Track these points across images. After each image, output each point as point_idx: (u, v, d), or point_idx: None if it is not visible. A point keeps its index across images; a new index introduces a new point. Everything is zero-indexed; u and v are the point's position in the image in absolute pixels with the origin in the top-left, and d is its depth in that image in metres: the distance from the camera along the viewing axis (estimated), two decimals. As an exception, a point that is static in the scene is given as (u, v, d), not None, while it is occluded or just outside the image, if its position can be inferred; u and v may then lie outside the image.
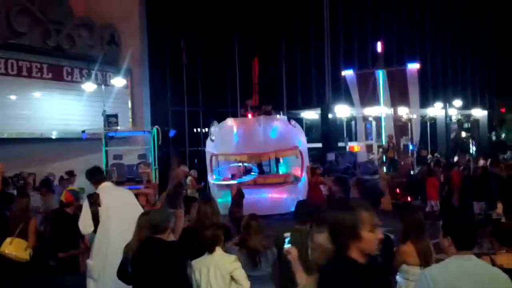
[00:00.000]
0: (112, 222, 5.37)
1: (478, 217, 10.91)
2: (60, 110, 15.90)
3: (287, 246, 3.62)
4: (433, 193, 13.79)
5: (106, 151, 12.54)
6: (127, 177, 12.52)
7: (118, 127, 15.00)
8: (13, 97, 14.95)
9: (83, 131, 13.67)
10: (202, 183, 15.31)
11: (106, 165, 12.32)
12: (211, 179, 15.97)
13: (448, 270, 2.87)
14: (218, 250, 4.39)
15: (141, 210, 5.62)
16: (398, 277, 4.68)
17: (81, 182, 7.09)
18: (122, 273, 4.52)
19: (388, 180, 15.33)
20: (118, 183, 11.47)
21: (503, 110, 36.28)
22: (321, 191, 13.01)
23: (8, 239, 5.34)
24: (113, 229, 5.36)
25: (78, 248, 5.74)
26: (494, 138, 36.80)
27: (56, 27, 16.16)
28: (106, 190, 5.61)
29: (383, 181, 15.22)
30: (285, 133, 16.09)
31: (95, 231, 5.45)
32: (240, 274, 4.33)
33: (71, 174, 11.72)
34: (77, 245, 5.72)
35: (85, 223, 5.44)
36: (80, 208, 5.71)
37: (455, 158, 21.23)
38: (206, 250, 4.41)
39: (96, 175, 5.79)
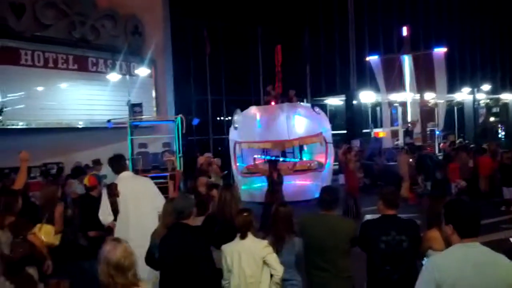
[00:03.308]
0: (131, 212, 5.45)
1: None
2: (85, 100, 16.14)
3: None
4: (455, 176, 13.57)
5: (132, 140, 12.73)
6: (152, 165, 12.71)
7: (143, 116, 15.18)
8: (40, 88, 15.23)
9: (109, 121, 13.87)
10: (225, 171, 15.36)
11: (132, 154, 12.50)
12: (235, 166, 16.03)
13: (452, 258, 2.83)
14: (250, 235, 4.43)
15: (162, 198, 5.69)
16: (424, 262, 4.63)
17: (107, 170, 7.20)
18: (150, 259, 4.60)
19: (409, 166, 14.99)
20: (144, 171, 11.68)
21: (533, 93, 35.25)
22: (356, 177, 12.79)
23: (38, 226, 5.47)
24: (132, 218, 5.44)
25: (108, 231, 5.83)
26: (524, 122, 35.87)
27: (80, 18, 16.35)
28: (125, 179, 5.67)
29: (403, 167, 14.94)
30: (309, 120, 15.99)
31: (115, 220, 5.53)
32: (273, 259, 4.37)
33: (97, 162, 11.90)
34: (104, 228, 5.81)
35: (104, 213, 5.53)
36: None
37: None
38: (239, 236, 4.44)
39: (117, 163, 5.85)
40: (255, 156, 16.08)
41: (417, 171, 14.56)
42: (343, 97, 27.25)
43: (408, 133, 20.05)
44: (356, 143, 21.54)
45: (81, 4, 16.43)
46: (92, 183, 6.24)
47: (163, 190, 8.76)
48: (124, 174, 5.79)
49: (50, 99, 15.30)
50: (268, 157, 16.48)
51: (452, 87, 27.23)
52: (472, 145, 20.02)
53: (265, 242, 4.46)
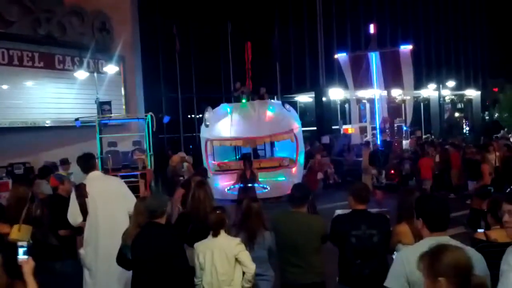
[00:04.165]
0: (100, 212, 5.38)
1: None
2: (52, 98, 15.80)
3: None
4: (427, 173, 13.96)
5: (101, 139, 12.55)
6: (122, 164, 12.56)
7: (112, 114, 14.98)
8: (4, 86, 14.83)
9: (77, 119, 13.63)
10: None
11: (101, 153, 12.32)
12: (207, 164, 16.00)
13: (421, 252, 2.90)
14: (222, 233, 4.45)
15: (132, 197, 5.63)
16: (394, 256, 4.74)
17: (77, 169, 7.08)
18: (122, 259, 4.57)
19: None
20: (114, 170, 11.54)
21: (495, 89, 36.37)
22: (316, 176, 13.03)
23: (16, 226, 5.35)
24: (102, 219, 5.38)
25: (78, 230, 5.74)
26: (487, 118, 36.97)
27: (46, 15, 15.98)
28: (94, 179, 5.58)
29: (364, 162, 15.48)
30: (280, 117, 16.09)
31: (84, 220, 5.46)
32: (245, 256, 4.40)
33: (65, 162, 11.69)
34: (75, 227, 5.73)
35: (73, 214, 5.45)
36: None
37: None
38: (211, 234, 4.46)
39: (86, 163, 5.74)
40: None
41: (370, 164, 15.26)
42: (312, 94, 27.53)
43: (383, 130, 20.44)
44: (326, 139, 21.82)
45: (47, 0, 16.06)
46: (53, 184, 6.16)
47: (134, 189, 8.71)
48: (93, 174, 5.70)
49: (15, 97, 14.92)
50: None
51: (418, 84, 27.84)
52: (440, 140, 20.52)
53: (237, 240, 4.49)
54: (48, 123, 15.63)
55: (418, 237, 4.51)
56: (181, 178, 11.47)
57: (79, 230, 5.65)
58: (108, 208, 5.43)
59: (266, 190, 12.32)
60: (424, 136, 23.84)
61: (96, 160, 6.12)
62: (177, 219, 5.37)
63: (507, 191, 6.91)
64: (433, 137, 24.69)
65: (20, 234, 5.15)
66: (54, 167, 11.56)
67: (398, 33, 30.28)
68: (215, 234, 4.45)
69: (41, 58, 15.77)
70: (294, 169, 15.63)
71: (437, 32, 34.31)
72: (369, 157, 15.59)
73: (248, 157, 13.37)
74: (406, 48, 21.57)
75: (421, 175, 14.09)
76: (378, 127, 20.67)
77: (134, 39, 19.46)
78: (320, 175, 13.22)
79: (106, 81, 17.17)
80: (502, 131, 26.45)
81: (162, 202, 4.46)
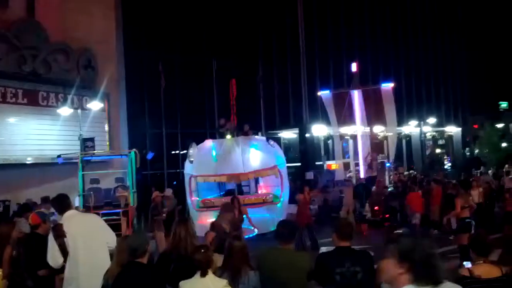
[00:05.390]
0: (80, 251, 5.29)
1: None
2: (35, 135, 15.70)
3: None
4: (417, 206, 14.05)
5: (83, 176, 12.42)
6: (104, 202, 12.40)
7: (95, 151, 14.89)
8: (-13, 122, 14.73)
9: (59, 156, 13.52)
10: (180, 206, 15.10)
11: (83, 190, 12.18)
12: (191, 200, 15.88)
13: None
14: (210, 273, 4.36)
15: (111, 233, 5.56)
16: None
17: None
18: (103, 299, 4.46)
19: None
20: (95, 207, 11.39)
21: (476, 126, 37.14)
22: (309, 210, 13.03)
23: None
24: (82, 258, 5.28)
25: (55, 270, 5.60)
26: (468, 154, 37.54)
27: (31, 52, 16.06)
28: (70, 218, 5.51)
29: (348, 199, 15.63)
30: (264, 153, 16.14)
31: (65, 261, 5.36)
32: None
33: (46, 200, 11.50)
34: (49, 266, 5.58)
35: (54, 256, 5.34)
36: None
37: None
38: (199, 273, 4.35)
39: (60, 204, 5.69)
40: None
41: (354, 198, 15.63)
42: (296, 130, 27.76)
43: (369, 166, 20.65)
44: (310, 175, 21.88)
45: (33, 37, 16.15)
46: (34, 221, 5.99)
47: (116, 227, 8.59)
48: (69, 213, 5.62)
49: (-3, 134, 14.81)
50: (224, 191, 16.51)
51: (400, 120, 28.30)
52: (422, 176, 20.70)
53: (224, 281, 4.39)
54: (29, 160, 15.46)
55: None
56: (164, 215, 11.32)
57: (59, 269, 5.53)
58: (87, 244, 5.34)
59: (256, 232, 12.16)
60: (406, 172, 24.05)
61: (71, 200, 6.03)
62: (158, 259, 5.28)
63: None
64: (415, 173, 24.93)
65: None
66: (34, 205, 11.39)
67: (380, 71, 30.97)
68: (203, 274, 4.36)
69: (25, 94, 15.75)
70: (279, 205, 15.58)
71: (417, 70, 35.19)
72: (353, 191, 15.75)
73: (236, 196, 13.20)
74: (387, 86, 22.03)
75: (410, 208, 14.15)
76: (362, 162, 20.85)
77: (119, 75, 19.60)
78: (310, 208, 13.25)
79: (90, 117, 17.16)
80: (482, 167, 26.85)
81: (144, 240, 4.40)
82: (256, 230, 12.06)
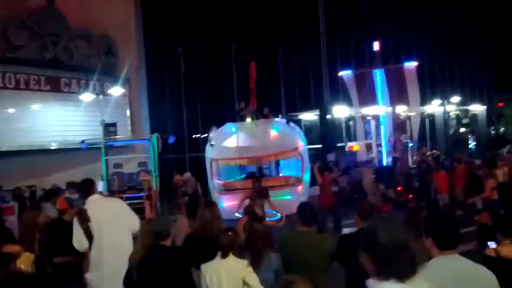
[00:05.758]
0: (104, 236, 5.37)
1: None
2: (59, 121, 15.95)
3: None
4: (443, 187, 13.85)
5: (106, 160, 12.60)
6: (128, 186, 12.57)
7: (117, 136, 15.05)
8: (11, 110, 14.99)
9: (83, 141, 13.71)
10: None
11: (107, 174, 12.36)
12: (212, 184, 15.98)
13: (431, 271, 2.82)
14: (231, 255, 4.40)
15: (134, 216, 5.63)
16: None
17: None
18: (128, 282, 4.53)
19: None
20: (119, 191, 11.55)
21: (501, 104, 36.31)
22: (331, 191, 12.79)
23: (24, 254, 5.32)
24: (106, 243, 5.36)
25: (79, 256, 5.68)
26: (493, 132, 36.82)
27: (53, 39, 16.23)
28: (94, 203, 5.59)
29: (367, 182, 15.33)
30: (284, 135, 16.08)
31: (90, 245, 5.44)
32: (254, 278, 4.32)
33: (71, 185, 11.71)
34: (77, 253, 5.67)
35: (78, 240, 5.43)
36: None
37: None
38: (220, 255, 4.41)
39: (85, 188, 5.78)
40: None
41: (376, 180, 15.07)
42: (317, 112, 27.54)
43: (393, 146, 20.40)
44: (331, 157, 21.76)
45: (54, 24, 16.31)
46: (62, 206, 6.08)
47: (140, 210, 8.69)
48: (93, 197, 5.70)
49: (22, 121, 15.07)
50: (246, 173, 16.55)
51: (423, 100, 27.82)
52: (446, 156, 20.41)
53: (245, 262, 4.43)
54: (54, 145, 15.72)
55: (427, 256, 4.48)
56: (186, 198, 11.40)
57: (81, 256, 5.62)
58: (111, 229, 5.42)
59: (279, 216, 12.09)
60: (429, 152, 23.71)
61: (98, 184, 6.12)
62: (184, 240, 5.34)
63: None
64: (438, 153, 24.57)
65: (23, 262, 5.14)
66: (59, 190, 11.59)
67: (402, 49, 30.40)
68: (224, 256, 4.40)
69: (47, 81, 15.97)
70: (300, 188, 15.56)
71: (441, 48, 34.44)
72: (375, 173, 15.51)
73: (257, 176, 13.18)
74: (411, 65, 21.62)
75: (436, 189, 13.97)
76: (385, 143, 20.60)
77: (139, 60, 19.68)
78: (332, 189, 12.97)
79: (111, 103, 17.34)
80: (508, 146, 26.30)
81: (168, 223, 4.44)
82: (279, 214, 12.02)
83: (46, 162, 14.98)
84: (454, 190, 14.17)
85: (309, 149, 18.62)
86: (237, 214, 11.05)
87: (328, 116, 26.21)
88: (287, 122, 17.37)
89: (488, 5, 36.73)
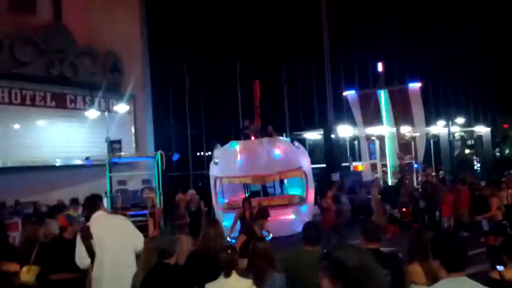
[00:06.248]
0: (106, 253, 5.32)
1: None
2: (63, 137, 16.00)
3: None
4: (449, 210, 13.79)
5: (110, 177, 12.58)
6: (131, 203, 12.53)
7: (122, 153, 15.07)
8: (16, 126, 15.06)
9: (87, 158, 13.73)
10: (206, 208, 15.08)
11: (111, 191, 12.33)
12: (216, 202, 15.92)
13: None
14: (234, 274, 4.35)
15: (138, 234, 5.57)
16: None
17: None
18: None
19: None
20: (123, 208, 11.50)
21: (505, 126, 36.27)
22: (333, 213, 12.56)
23: (25, 268, 5.28)
24: (108, 260, 5.31)
25: (77, 272, 5.60)
26: (498, 154, 36.69)
27: (59, 56, 16.37)
28: (98, 220, 5.54)
29: (374, 200, 15.20)
30: (289, 154, 16.06)
31: (92, 262, 5.39)
32: None
33: (75, 201, 11.68)
34: (76, 270, 5.60)
35: (81, 257, 5.39)
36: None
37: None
38: (223, 274, 4.36)
39: (91, 204, 5.76)
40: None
41: (383, 201, 14.95)
42: (321, 131, 27.57)
43: (401, 168, 20.34)
44: (336, 176, 21.69)
45: (60, 41, 16.47)
46: (61, 223, 6.03)
47: (143, 228, 8.64)
48: (97, 214, 5.65)
49: (27, 136, 15.14)
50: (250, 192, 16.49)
51: (427, 120, 27.84)
52: (452, 177, 20.30)
53: (250, 281, 4.38)
54: (58, 162, 15.74)
55: (431, 277, 4.42)
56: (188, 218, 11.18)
57: (80, 272, 5.56)
58: (113, 247, 5.37)
59: (270, 237, 11.79)
60: (434, 173, 23.63)
61: (102, 201, 6.07)
62: (188, 258, 5.29)
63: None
64: (444, 173, 24.48)
65: (28, 276, 5.10)
66: (63, 206, 11.55)
67: (406, 71, 30.51)
68: (227, 275, 4.35)
69: (53, 97, 16.06)
70: (304, 207, 15.48)
71: (444, 69, 34.57)
72: (381, 193, 15.42)
73: (247, 198, 12.58)
74: (415, 86, 21.68)
75: (442, 212, 13.88)
76: (392, 164, 20.56)
77: (145, 77, 19.81)
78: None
79: (116, 119, 17.39)
80: (513, 168, 26.17)
81: (172, 241, 4.40)
82: (271, 234, 11.73)
83: (50, 178, 14.98)
84: (459, 211, 14.07)
85: (314, 168, 18.57)
86: (228, 239, 10.61)
87: (332, 136, 26.23)
88: (292, 141, 17.37)
89: (491, 26, 36.99)
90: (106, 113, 16.83)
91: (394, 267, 4.46)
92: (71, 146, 16.01)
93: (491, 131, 36.02)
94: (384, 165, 21.56)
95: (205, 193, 16.59)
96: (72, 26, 16.85)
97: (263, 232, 10.82)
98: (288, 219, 14.82)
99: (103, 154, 14.21)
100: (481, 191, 13.19)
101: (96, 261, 5.38)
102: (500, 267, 4.26)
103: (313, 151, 27.11)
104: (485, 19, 37.12)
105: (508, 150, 35.94)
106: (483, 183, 15.45)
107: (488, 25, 37.24)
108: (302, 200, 15.80)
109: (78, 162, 15.36)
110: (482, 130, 35.32)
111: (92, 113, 16.56)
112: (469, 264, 3.05)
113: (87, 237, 5.35)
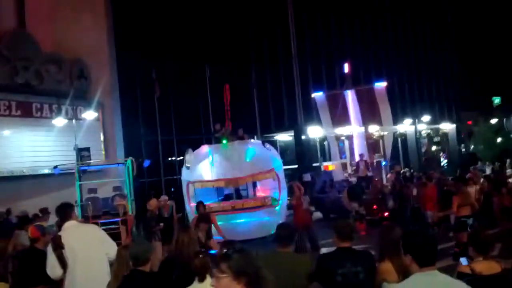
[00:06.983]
0: (78, 264, 5.26)
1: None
2: (30, 146, 15.66)
3: None
4: (431, 204, 13.99)
5: (80, 185, 12.39)
6: (102, 211, 12.37)
7: (91, 161, 14.86)
8: (-19, 136, 14.67)
9: (56, 167, 13.49)
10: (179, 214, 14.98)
11: (81, 200, 12.15)
12: (189, 206, 15.85)
13: (411, 286, 2.89)
14: (209, 279, 4.34)
15: (111, 242, 5.54)
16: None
17: (55, 219, 7.00)
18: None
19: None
20: (94, 217, 11.35)
21: (470, 122, 37.25)
22: (305, 211, 12.59)
23: None
24: (80, 271, 5.25)
25: (52, 284, 5.53)
26: (463, 150, 37.66)
27: (24, 64, 16.03)
28: (69, 229, 5.48)
29: (345, 199, 15.53)
30: (261, 156, 16.15)
31: (65, 273, 5.32)
32: None
33: (44, 211, 11.45)
34: (50, 282, 5.52)
35: (52, 268, 5.31)
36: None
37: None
38: (197, 279, 4.35)
39: (60, 213, 5.67)
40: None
41: (349, 199, 15.30)
42: (291, 133, 27.78)
43: (367, 166, 20.62)
44: (307, 177, 21.89)
45: (24, 49, 16.13)
46: (33, 235, 5.92)
47: (115, 236, 8.55)
48: (68, 223, 5.58)
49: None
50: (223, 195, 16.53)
51: (394, 119, 28.39)
52: (420, 174, 20.69)
53: None
54: (25, 171, 15.41)
55: (401, 274, 4.53)
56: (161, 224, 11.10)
57: (55, 284, 5.48)
58: (85, 257, 5.31)
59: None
60: (402, 171, 24.09)
61: (73, 209, 5.98)
62: (160, 265, 5.27)
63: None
64: (412, 171, 24.98)
65: None
66: (35, 217, 11.32)
67: (372, 70, 31.06)
68: (201, 279, 4.37)
69: (18, 106, 15.72)
70: (277, 208, 15.58)
71: (409, 69, 35.31)
72: (348, 193, 15.67)
73: (201, 201, 12.30)
74: (381, 85, 22.09)
75: (426, 208, 14.05)
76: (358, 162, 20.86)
77: (113, 84, 19.57)
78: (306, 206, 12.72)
79: (84, 127, 17.14)
80: (479, 163, 26.93)
81: (147, 248, 4.39)
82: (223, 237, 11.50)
83: (18, 189, 14.63)
84: (426, 207, 14.39)
85: (285, 169, 18.71)
86: None
87: (302, 137, 26.46)
88: (263, 143, 17.47)
89: (455, 25, 38.02)
90: (73, 121, 16.55)
91: (366, 264, 4.56)
92: (38, 155, 15.68)
93: (456, 127, 36.95)
94: (353, 164, 21.84)
95: (177, 198, 16.51)
96: (37, 34, 16.52)
97: (218, 237, 10.72)
98: (262, 221, 14.89)
99: (72, 162, 13.98)
100: (449, 187, 13.55)
101: (68, 271, 5.31)
102: (463, 260, 4.40)
103: (284, 152, 27.29)
104: (448, 18, 38.14)
105: (473, 146, 36.92)
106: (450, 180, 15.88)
107: (451, 24, 38.27)
108: (275, 201, 15.90)
109: (46, 171, 15.04)
110: (448, 127, 36.19)
111: (60, 121, 16.26)
112: (440, 258, 3.17)
113: (58, 247, 5.28)
